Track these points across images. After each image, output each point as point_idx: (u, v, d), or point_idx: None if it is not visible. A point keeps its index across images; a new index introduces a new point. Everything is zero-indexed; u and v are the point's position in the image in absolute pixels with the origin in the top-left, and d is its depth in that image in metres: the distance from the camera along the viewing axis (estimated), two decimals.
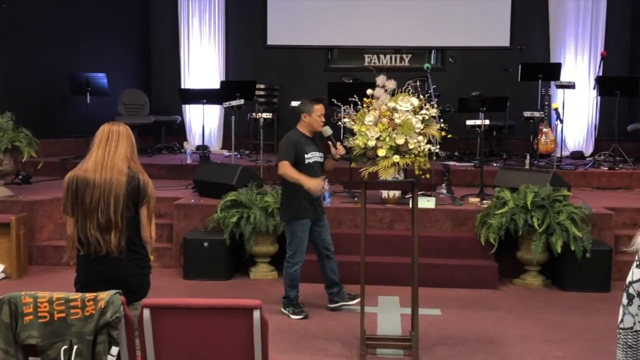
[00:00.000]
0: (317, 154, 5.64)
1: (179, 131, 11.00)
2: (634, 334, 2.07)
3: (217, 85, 10.24)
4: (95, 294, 3.04)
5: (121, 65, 10.75)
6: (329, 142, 5.61)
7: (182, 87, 10.70)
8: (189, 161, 9.45)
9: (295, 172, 5.44)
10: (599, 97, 9.88)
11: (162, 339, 3.03)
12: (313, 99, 5.78)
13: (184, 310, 3.04)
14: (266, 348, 3.02)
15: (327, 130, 5.66)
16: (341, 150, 5.53)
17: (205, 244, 6.77)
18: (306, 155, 5.54)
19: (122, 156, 3.58)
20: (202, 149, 9.42)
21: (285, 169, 5.46)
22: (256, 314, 2.96)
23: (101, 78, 9.63)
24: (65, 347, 3.00)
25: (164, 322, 3.02)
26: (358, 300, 5.51)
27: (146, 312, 3.00)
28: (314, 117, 5.62)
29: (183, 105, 10.69)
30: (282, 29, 11.20)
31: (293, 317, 5.65)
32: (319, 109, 5.64)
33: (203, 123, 9.46)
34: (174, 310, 3.05)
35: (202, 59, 10.94)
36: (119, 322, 3.01)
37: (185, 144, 10.83)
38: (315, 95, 9.09)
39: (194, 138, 10.86)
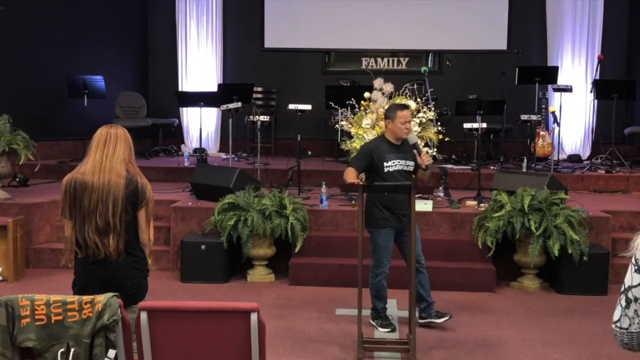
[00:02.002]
0: (402, 162, 5.29)
1: (177, 134, 11.00)
2: (629, 335, 2.21)
3: (214, 88, 10.25)
4: (92, 296, 3.03)
5: (118, 67, 10.75)
6: (414, 151, 5.32)
7: (180, 89, 10.70)
8: (186, 164, 9.44)
9: (351, 178, 5.17)
10: (596, 101, 9.90)
11: (160, 342, 3.03)
12: (399, 104, 5.47)
13: (181, 313, 3.04)
14: (263, 351, 3.02)
15: (412, 138, 5.36)
16: (426, 159, 5.26)
17: (203, 246, 6.76)
18: (385, 164, 5.24)
19: (120, 159, 3.57)
20: (200, 151, 9.42)
21: (346, 174, 5.23)
22: (253, 317, 2.96)
23: (98, 81, 9.62)
24: (62, 350, 2.99)
25: (161, 325, 3.02)
26: (446, 318, 5.46)
27: (143, 315, 2.99)
28: (397, 124, 5.26)
29: (180, 108, 10.68)
30: (280, 32, 11.21)
31: (381, 329, 5.44)
32: (403, 115, 5.25)
33: (200, 126, 9.45)
34: (171, 313, 3.05)
35: (199, 62, 10.93)
36: (117, 325, 3.01)
37: (182, 146, 10.83)
38: (313, 97, 9.18)
39: (192, 141, 10.85)
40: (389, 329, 5.44)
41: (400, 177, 5.29)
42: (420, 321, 5.46)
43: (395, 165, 5.29)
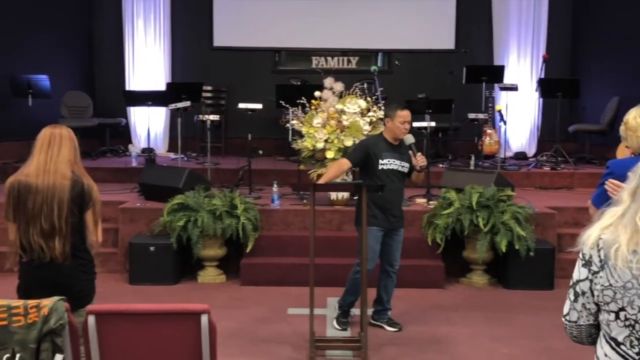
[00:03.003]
0: (397, 162, 5.31)
1: (124, 134, 10.81)
2: (578, 327, 2.25)
3: (163, 87, 10.13)
4: (38, 300, 2.97)
5: (64, 66, 10.52)
6: (410, 152, 5.33)
7: (127, 88, 10.53)
8: (134, 164, 9.31)
9: (332, 170, 5.33)
10: (541, 99, 10.11)
11: (108, 345, 2.98)
12: (400, 104, 5.48)
13: (130, 316, 3.00)
14: (214, 353, 3.00)
15: (409, 139, 5.33)
16: (421, 160, 5.25)
17: (152, 248, 6.68)
18: (380, 161, 5.26)
19: (65, 160, 3.50)
20: (148, 151, 9.30)
21: (334, 164, 5.27)
22: (204, 319, 2.93)
23: (43, 80, 9.42)
24: (7, 355, 2.92)
25: (109, 328, 2.97)
26: (396, 329, 5.46)
27: (91, 319, 2.94)
28: (395, 123, 5.27)
29: (128, 108, 10.51)
30: (229, 31, 11.13)
31: (335, 324, 5.48)
32: (402, 115, 5.26)
33: (148, 125, 9.33)
34: (119, 316, 3.00)
35: (147, 60, 10.77)
36: (63, 329, 2.95)
37: (130, 146, 10.66)
38: (263, 96, 9.14)
39: (139, 141, 10.69)
40: (341, 328, 5.47)
41: (394, 177, 5.31)
42: (372, 321, 5.50)
43: (390, 164, 5.30)
